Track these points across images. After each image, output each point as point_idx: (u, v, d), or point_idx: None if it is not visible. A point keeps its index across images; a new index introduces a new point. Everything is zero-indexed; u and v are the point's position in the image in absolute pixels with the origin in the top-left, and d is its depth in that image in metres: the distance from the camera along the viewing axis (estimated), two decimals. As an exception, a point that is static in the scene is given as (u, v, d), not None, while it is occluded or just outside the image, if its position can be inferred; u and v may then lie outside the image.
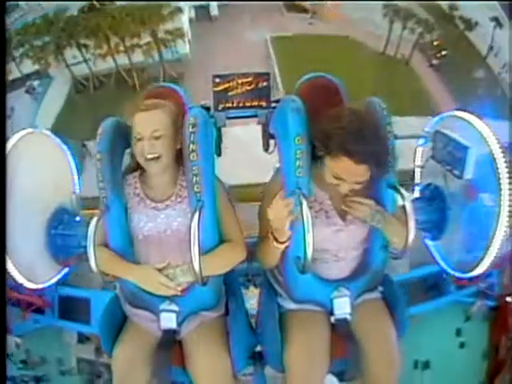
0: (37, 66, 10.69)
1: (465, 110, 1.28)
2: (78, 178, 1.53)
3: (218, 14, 13.44)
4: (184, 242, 1.07)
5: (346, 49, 11.38)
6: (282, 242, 1.12)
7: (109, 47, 11.18)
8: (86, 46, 11.10)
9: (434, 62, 10.45)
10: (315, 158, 1.15)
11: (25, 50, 10.80)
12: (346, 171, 1.07)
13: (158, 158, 1.15)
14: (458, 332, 2.71)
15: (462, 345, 2.70)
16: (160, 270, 1.18)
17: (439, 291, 2.60)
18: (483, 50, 10.26)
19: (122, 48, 11.22)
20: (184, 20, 12.21)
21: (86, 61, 11.04)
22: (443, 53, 10.37)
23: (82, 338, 2.79)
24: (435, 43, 10.54)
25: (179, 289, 1.20)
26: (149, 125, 1.15)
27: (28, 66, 10.89)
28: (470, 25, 10.18)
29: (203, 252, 1.10)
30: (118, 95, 10.88)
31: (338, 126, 1.06)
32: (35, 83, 10.67)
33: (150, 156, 1.15)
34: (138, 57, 11.56)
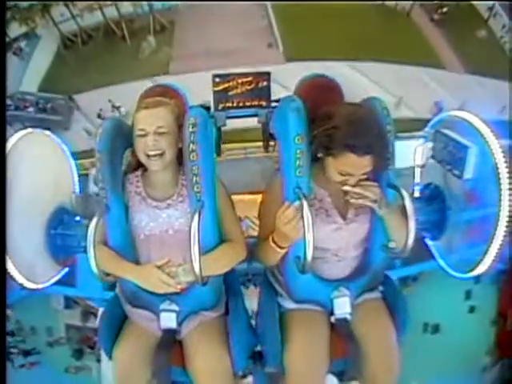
0: (24, 28, 10.42)
1: (464, 110, 1.28)
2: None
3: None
4: (185, 242, 1.07)
5: (345, 4, 11.15)
6: (283, 247, 1.13)
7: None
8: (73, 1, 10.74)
9: (436, 16, 10.36)
10: (315, 156, 1.16)
11: (11, 14, 10.46)
12: (352, 166, 1.08)
13: (161, 154, 1.16)
14: (468, 295, 2.68)
15: (471, 309, 2.66)
16: (160, 268, 1.18)
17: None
18: (484, 14, 10.23)
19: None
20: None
21: (73, 17, 10.76)
22: (444, 9, 10.30)
23: (70, 303, 2.76)
24: (435, 1, 10.47)
25: (179, 287, 1.20)
26: (153, 121, 1.17)
27: (15, 30, 10.61)
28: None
29: (203, 252, 1.10)
30: (106, 47, 10.75)
31: (336, 125, 1.07)
32: (22, 44, 10.49)
33: (153, 152, 1.15)
34: (126, 8, 11.29)
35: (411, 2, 10.45)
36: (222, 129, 1.64)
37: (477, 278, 2.60)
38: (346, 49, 9.25)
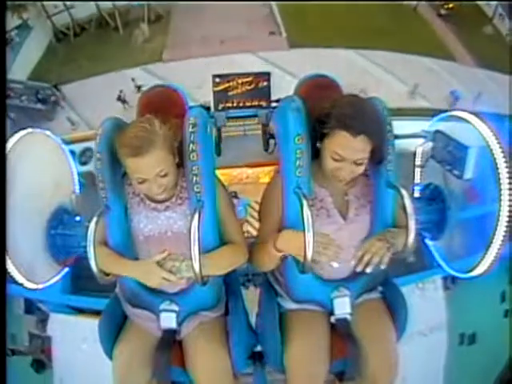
0: (16, 20, 10.29)
1: (465, 110, 1.28)
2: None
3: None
4: (185, 243, 1.07)
5: None
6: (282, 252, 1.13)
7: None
8: None
9: (443, 11, 10.39)
10: (315, 155, 1.16)
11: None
12: (345, 147, 1.07)
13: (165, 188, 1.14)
14: (503, 297, 2.48)
15: (506, 313, 2.48)
16: (160, 263, 1.15)
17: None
18: (489, 13, 10.27)
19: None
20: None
21: (67, 8, 10.61)
22: (450, 5, 10.34)
23: (31, 308, 2.51)
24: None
25: (180, 282, 1.17)
26: (150, 169, 1.08)
27: (8, 21, 10.14)
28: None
29: (203, 252, 1.10)
30: (99, 38, 10.47)
31: (337, 105, 1.08)
32: (13, 33, 10.17)
33: (159, 193, 1.14)
34: None
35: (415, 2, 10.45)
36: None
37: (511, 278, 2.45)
38: (353, 37, 8.94)
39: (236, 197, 2.60)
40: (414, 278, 2.27)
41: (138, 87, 7.75)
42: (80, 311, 2.29)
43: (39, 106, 8.13)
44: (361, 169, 1.11)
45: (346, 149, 1.07)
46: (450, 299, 2.24)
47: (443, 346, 2.04)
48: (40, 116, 7.81)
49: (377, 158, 1.12)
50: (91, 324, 2.07)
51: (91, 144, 1.44)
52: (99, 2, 10.86)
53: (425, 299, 2.20)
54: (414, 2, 10.51)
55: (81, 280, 2.20)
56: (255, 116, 1.54)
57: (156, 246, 1.21)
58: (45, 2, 10.49)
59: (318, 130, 1.12)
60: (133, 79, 8.17)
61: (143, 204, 1.22)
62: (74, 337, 2.14)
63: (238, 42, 8.86)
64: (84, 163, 2.16)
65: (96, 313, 2.13)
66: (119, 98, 7.78)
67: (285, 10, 10.17)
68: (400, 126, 1.38)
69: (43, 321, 2.38)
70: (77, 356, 2.11)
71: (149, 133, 1.07)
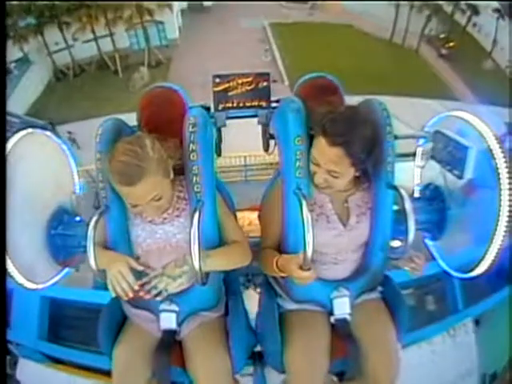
0: (17, 51, 10.20)
1: (465, 110, 1.28)
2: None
3: (212, 4, 12.83)
4: (185, 252, 1.07)
5: (350, 37, 10.92)
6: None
7: (89, 17, 10.41)
8: (67, 24, 10.47)
9: (444, 51, 10.45)
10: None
11: (5, 31, 10.02)
12: (320, 152, 1.08)
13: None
14: None
15: None
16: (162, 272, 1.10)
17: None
18: (488, 46, 10.29)
19: (103, 20, 10.43)
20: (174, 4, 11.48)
21: (68, 46, 10.64)
22: (451, 44, 10.37)
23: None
24: (441, 36, 10.56)
25: (130, 295, 1.06)
26: (143, 196, 1.04)
27: (8, 51, 10.11)
28: (476, 10, 10.13)
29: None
30: (98, 80, 10.58)
31: (329, 112, 1.07)
32: (12, 65, 10.22)
33: (153, 215, 1.13)
34: (123, 43, 11.04)
35: (417, 40, 10.46)
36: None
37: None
38: (357, 83, 8.97)
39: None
40: (444, 325, 2.23)
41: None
42: (54, 361, 2.19)
43: None
44: (338, 182, 1.11)
45: (321, 155, 1.08)
46: (477, 342, 2.20)
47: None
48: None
49: (373, 163, 1.11)
50: (66, 378, 2.07)
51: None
52: (100, 45, 10.81)
53: (456, 347, 2.16)
54: (416, 42, 10.51)
55: (60, 328, 2.21)
56: (255, 116, 1.54)
57: (155, 259, 1.20)
58: (46, 38, 10.40)
59: (309, 132, 1.12)
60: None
61: (140, 217, 1.20)
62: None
63: None
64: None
65: (72, 366, 2.13)
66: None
67: (287, 57, 10.13)
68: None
69: (15, 363, 2.22)
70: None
71: (140, 159, 1.00)
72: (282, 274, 1.15)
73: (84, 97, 9.80)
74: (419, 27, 10.62)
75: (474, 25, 10.35)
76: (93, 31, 10.90)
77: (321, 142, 1.06)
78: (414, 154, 1.48)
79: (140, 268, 1.11)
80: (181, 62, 10.57)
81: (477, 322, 2.29)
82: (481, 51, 10.29)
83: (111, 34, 11.05)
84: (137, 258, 1.21)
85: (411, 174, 1.49)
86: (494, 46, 9.97)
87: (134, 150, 1.02)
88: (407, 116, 8.22)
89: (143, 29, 11.27)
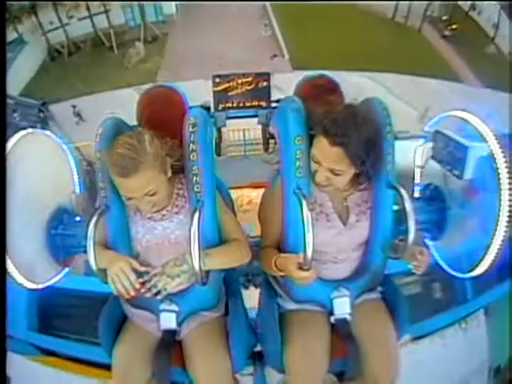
0: (11, 30, 9.99)
1: (465, 110, 1.28)
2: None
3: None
4: (184, 251, 1.07)
5: (353, 16, 10.54)
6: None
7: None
8: (61, 1, 10.15)
9: (447, 33, 10.35)
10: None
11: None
12: (321, 151, 1.07)
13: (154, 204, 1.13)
14: None
15: None
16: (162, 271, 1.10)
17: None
18: (490, 32, 10.23)
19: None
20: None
21: (63, 25, 10.28)
22: (453, 26, 10.31)
23: None
24: (444, 18, 10.49)
25: (132, 293, 1.07)
26: (138, 189, 1.05)
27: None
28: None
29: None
30: (93, 58, 10.30)
31: (329, 112, 1.07)
32: (6, 48, 10.21)
33: (147, 210, 1.13)
34: (118, 19, 10.71)
35: (420, 19, 10.36)
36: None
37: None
38: (359, 59, 8.86)
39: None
40: (453, 314, 2.19)
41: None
42: (46, 353, 2.10)
43: (23, 122, 7.90)
44: (340, 180, 1.11)
45: (322, 154, 1.08)
46: (488, 335, 2.15)
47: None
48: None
49: (372, 163, 1.11)
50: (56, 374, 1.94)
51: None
52: (95, 22, 10.61)
53: (468, 340, 2.11)
54: (419, 22, 10.40)
55: (51, 317, 2.11)
56: (255, 116, 1.54)
57: (154, 256, 1.21)
58: (41, 18, 10.25)
59: (309, 131, 1.12)
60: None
61: (139, 214, 1.20)
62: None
63: (238, 64, 8.67)
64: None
65: (64, 358, 2.02)
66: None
67: (287, 32, 9.98)
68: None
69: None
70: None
71: (137, 153, 1.02)
72: (281, 273, 1.15)
73: (79, 75, 9.61)
74: (422, 8, 10.46)
75: (475, 9, 10.22)
76: (88, 8, 10.68)
77: (321, 142, 1.06)
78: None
79: (142, 269, 1.11)
80: (178, 37, 10.38)
81: (486, 312, 2.25)
82: (483, 36, 10.19)
83: (106, 11, 10.80)
84: (136, 255, 1.22)
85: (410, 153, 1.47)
86: (497, 32, 9.90)
87: (133, 143, 1.04)
88: (409, 94, 8.06)
89: (139, 5, 11.05)
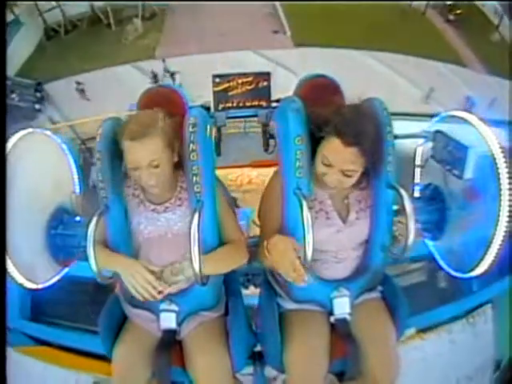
0: (7, 13, 9.98)
1: (465, 110, 1.28)
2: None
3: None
4: (185, 245, 1.07)
5: None
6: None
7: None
8: None
9: (451, 17, 10.29)
10: (314, 157, 1.16)
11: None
12: (334, 153, 1.07)
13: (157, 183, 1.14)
14: None
15: None
16: (147, 268, 1.12)
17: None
18: (494, 20, 10.19)
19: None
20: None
21: (59, 4, 10.13)
22: (458, 11, 10.27)
23: None
24: (448, 2, 10.45)
25: (165, 291, 1.12)
26: (144, 155, 1.08)
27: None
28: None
29: (203, 252, 1.10)
30: (90, 35, 10.09)
31: (339, 112, 1.07)
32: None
33: (149, 183, 1.14)
34: None
35: (425, 3, 10.29)
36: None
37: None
38: (362, 38, 8.65)
39: (236, 205, 2.34)
40: (459, 306, 2.15)
41: (171, 74, 7.48)
42: (39, 343, 2.04)
43: (19, 103, 7.71)
44: (350, 181, 1.11)
45: (335, 155, 1.07)
46: (494, 330, 2.11)
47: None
48: (19, 113, 7.37)
49: (369, 164, 1.11)
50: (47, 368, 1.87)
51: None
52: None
53: (475, 336, 2.08)
54: (424, 4, 10.32)
55: (44, 305, 2.05)
56: (255, 116, 1.54)
57: (156, 248, 1.21)
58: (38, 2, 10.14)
59: (315, 134, 1.12)
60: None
61: (143, 205, 1.22)
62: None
63: (239, 39, 8.52)
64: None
65: (58, 348, 1.94)
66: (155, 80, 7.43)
67: (288, 8, 9.88)
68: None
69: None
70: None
71: (150, 120, 1.11)
72: (271, 258, 1.10)
73: (76, 54, 9.38)
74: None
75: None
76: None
77: (334, 143, 1.05)
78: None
79: (156, 269, 1.12)
80: (177, 13, 10.24)
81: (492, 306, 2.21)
82: (488, 24, 10.14)
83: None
84: (137, 251, 1.23)
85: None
86: (501, 20, 9.87)
87: (147, 113, 1.16)
88: (412, 75, 7.99)
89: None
